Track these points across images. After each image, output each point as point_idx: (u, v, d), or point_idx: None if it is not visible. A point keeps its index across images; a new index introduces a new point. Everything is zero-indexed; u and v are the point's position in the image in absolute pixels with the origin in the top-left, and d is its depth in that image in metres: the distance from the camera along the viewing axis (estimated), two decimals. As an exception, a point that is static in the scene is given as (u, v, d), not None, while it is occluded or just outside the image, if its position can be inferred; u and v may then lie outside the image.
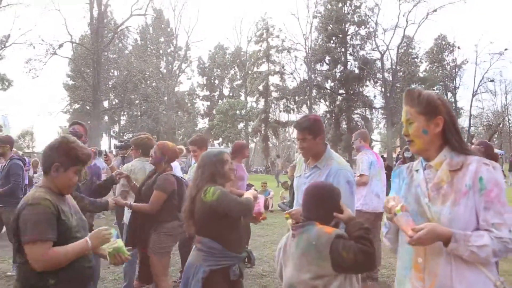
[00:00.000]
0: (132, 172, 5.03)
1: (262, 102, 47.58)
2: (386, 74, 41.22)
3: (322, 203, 2.62)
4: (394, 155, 28.36)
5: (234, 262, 3.19)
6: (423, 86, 37.22)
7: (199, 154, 5.46)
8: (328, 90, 43.30)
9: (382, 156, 8.60)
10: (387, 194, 2.42)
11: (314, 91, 43.65)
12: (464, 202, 1.94)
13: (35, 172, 13.05)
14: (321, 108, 45.42)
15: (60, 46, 34.46)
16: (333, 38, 42.57)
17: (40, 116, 78.90)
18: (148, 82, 45.41)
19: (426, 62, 45.89)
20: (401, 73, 41.54)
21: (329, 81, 43.55)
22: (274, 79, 47.93)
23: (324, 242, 2.45)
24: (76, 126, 5.04)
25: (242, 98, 48.11)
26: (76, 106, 46.00)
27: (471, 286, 1.91)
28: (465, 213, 1.93)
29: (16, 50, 52.82)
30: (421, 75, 43.83)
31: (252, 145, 54.75)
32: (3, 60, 34.60)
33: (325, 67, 43.71)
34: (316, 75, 44.08)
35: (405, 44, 41.25)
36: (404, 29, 39.61)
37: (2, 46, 33.58)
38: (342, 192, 2.75)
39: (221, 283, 3.12)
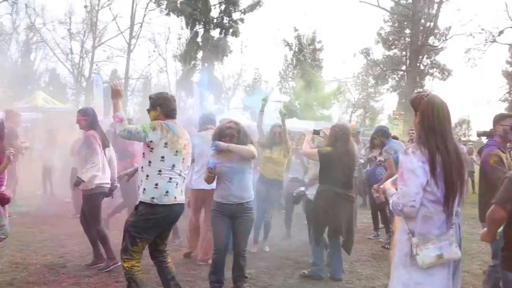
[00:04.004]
0: None
1: None
2: None
3: None
4: None
5: None
6: None
7: None
8: None
9: None
10: None
11: None
12: None
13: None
14: None
15: (500, 32, 32.59)
16: None
17: (476, 105, 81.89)
18: None
19: None
20: None
21: None
22: None
23: None
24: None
25: None
26: (516, 94, 41.29)
27: (399, 233, 2.76)
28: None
29: (456, 41, 55.80)
30: None
31: None
32: (444, 51, 36.45)
33: None
34: None
35: None
36: None
37: (444, 38, 35.17)
38: None
39: None
